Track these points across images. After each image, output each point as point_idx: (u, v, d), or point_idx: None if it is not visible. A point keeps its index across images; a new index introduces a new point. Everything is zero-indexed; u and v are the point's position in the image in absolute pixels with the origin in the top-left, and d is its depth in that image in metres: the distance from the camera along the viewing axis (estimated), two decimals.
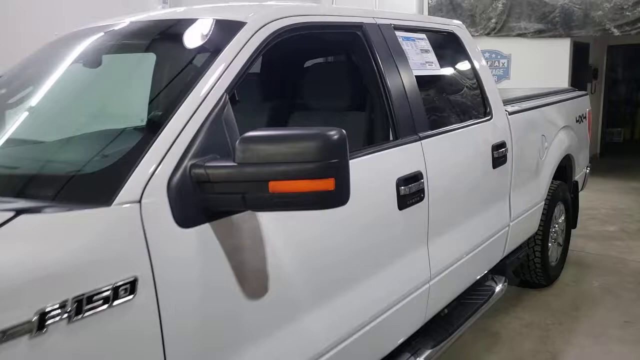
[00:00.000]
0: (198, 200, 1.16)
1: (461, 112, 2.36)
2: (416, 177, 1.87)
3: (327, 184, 1.07)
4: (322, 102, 2.16)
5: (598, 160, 8.18)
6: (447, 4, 7.29)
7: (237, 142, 1.11)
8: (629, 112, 9.92)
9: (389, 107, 1.86)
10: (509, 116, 2.63)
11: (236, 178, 1.11)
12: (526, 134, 2.81)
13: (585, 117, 3.88)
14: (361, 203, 1.62)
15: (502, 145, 2.49)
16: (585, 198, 5.76)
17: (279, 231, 1.34)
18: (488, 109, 2.48)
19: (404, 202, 1.80)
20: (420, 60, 2.04)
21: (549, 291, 3.42)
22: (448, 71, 2.41)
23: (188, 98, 1.26)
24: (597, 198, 5.83)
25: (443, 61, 2.27)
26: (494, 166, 2.43)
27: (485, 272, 2.54)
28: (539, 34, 6.84)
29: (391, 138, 1.87)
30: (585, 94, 3.98)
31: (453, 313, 2.29)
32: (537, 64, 6.88)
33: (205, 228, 1.17)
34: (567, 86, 4.03)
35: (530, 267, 3.30)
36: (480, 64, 2.55)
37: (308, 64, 2.61)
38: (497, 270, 2.75)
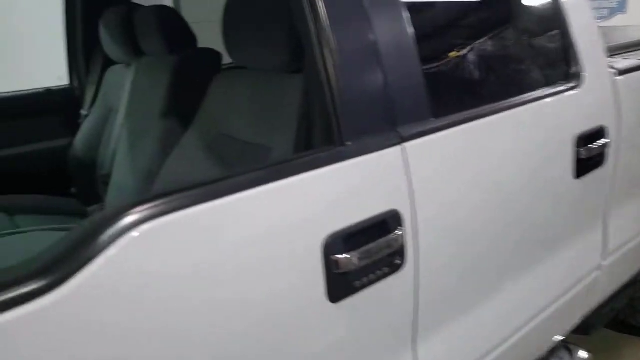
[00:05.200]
0: None
1: (512, 74, 1.24)
2: (384, 224, 0.87)
3: None
4: (245, 54, 1.19)
5: None
6: None
7: None
8: None
9: (326, 70, 0.84)
10: (617, 78, 1.46)
11: None
12: None
13: None
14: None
15: (598, 133, 1.36)
16: None
17: None
18: (574, 68, 1.34)
19: (341, 286, 0.83)
20: None
21: None
22: None
23: None
24: None
25: None
26: (579, 174, 1.32)
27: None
28: None
29: (335, 140, 0.86)
30: None
31: None
32: None
33: None
34: None
35: (637, 309, 2.15)
36: None
37: None
38: (580, 330, 1.69)
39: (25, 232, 1.53)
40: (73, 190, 2.04)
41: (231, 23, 1.17)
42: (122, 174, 1.60)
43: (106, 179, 1.69)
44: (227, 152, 1.26)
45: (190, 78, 1.48)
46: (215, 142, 1.31)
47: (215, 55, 1.52)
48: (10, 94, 2.11)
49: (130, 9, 1.70)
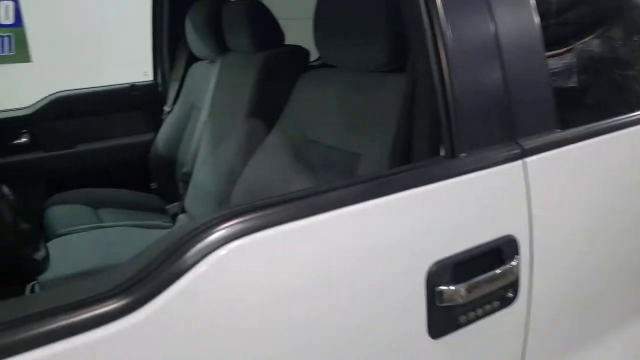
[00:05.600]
0: None
1: None
2: (498, 252, 0.75)
3: None
4: (337, 52, 1.10)
5: None
6: None
7: None
8: None
9: (439, 70, 0.73)
10: None
11: None
12: None
13: None
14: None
15: None
16: None
17: None
18: None
19: (445, 321, 0.72)
20: None
21: None
22: None
23: None
24: None
25: None
26: None
27: None
28: None
29: (443, 152, 0.75)
30: None
31: None
32: None
33: None
34: None
35: None
36: None
37: None
38: None
39: (109, 227, 1.54)
40: (153, 185, 2.06)
41: (323, 17, 1.08)
42: (203, 173, 1.57)
43: (186, 177, 1.67)
44: (312, 157, 1.18)
45: (276, 76, 1.41)
46: (300, 145, 1.23)
47: (303, 52, 1.45)
48: (95, 89, 2.16)
49: (218, 4, 1.66)
